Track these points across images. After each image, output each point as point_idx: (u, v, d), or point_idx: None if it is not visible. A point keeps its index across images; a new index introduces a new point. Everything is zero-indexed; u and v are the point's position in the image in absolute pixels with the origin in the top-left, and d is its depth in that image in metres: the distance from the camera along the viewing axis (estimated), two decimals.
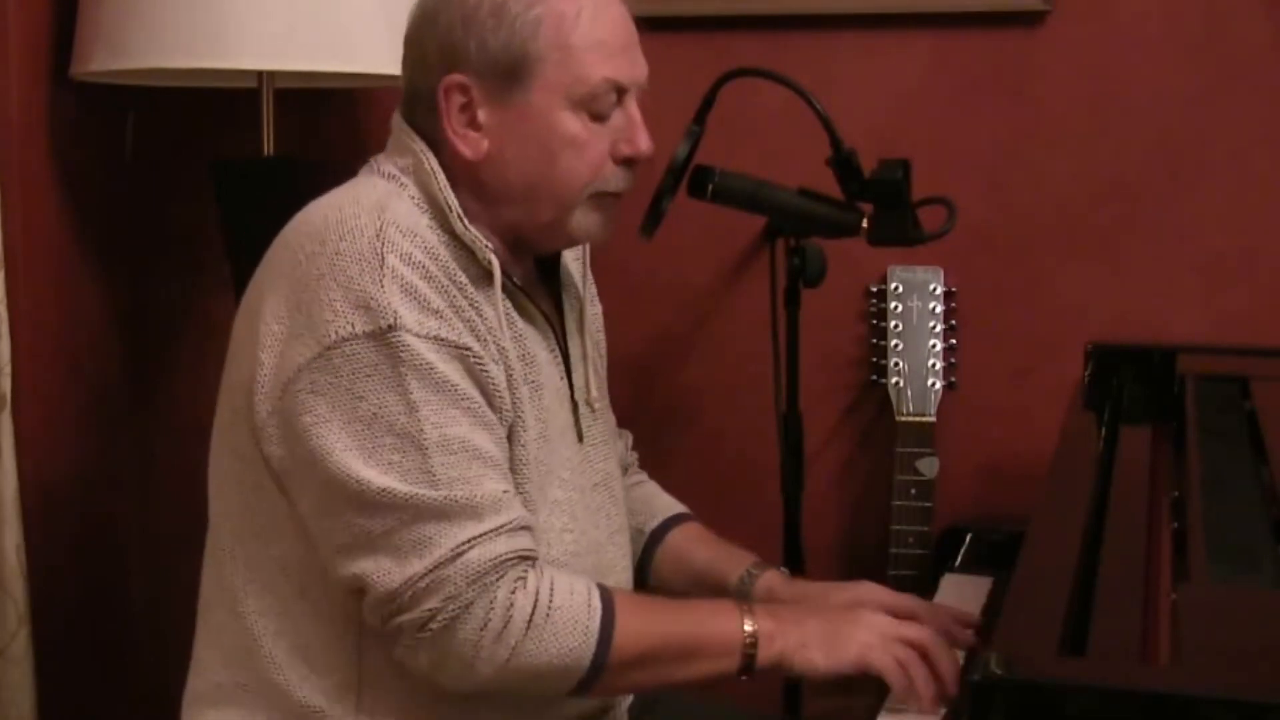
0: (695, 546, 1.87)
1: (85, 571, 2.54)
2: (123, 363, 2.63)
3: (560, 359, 1.70)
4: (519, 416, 1.59)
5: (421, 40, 1.62)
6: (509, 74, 1.58)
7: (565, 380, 1.70)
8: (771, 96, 2.02)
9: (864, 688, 1.60)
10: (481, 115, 1.59)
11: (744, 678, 1.58)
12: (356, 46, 2.19)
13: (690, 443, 2.52)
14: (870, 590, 1.77)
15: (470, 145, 1.60)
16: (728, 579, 1.81)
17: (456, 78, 1.59)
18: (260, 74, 2.32)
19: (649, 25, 1.67)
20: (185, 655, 1.70)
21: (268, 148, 2.34)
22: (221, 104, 2.51)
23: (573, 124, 1.60)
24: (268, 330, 1.54)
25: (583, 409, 1.72)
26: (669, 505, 1.93)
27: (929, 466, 2.26)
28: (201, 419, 1.71)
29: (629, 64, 1.62)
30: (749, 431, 2.47)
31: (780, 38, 2.44)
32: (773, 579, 1.80)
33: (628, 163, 1.64)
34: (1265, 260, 2.34)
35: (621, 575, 1.75)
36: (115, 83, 2.36)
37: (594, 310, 1.84)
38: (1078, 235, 2.39)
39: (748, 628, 1.57)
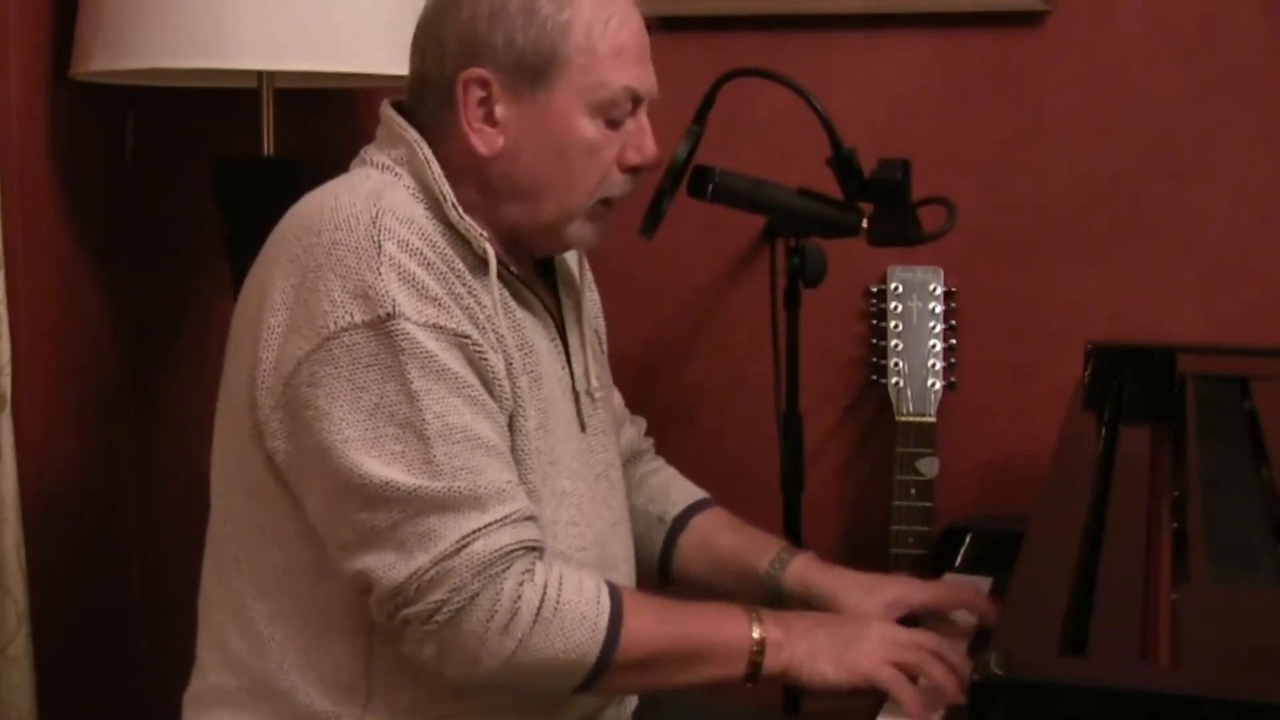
0: (721, 532, 1.86)
1: (85, 571, 2.54)
2: (123, 363, 2.63)
3: (561, 348, 1.69)
4: (519, 406, 1.58)
5: (440, 29, 1.60)
6: (534, 72, 1.57)
7: (566, 370, 1.69)
8: (771, 96, 2.02)
9: (866, 690, 1.59)
10: (499, 111, 1.59)
11: (749, 684, 1.57)
12: (356, 46, 2.19)
13: (690, 442, 2.51)
14: (904, 585, 1.77)
15: (485, 140, 1.59)
16: (757, 564, 1.81)
17: (477, 71, 1.57)
18: (260, 74, 2.32)
19: (648, 25, 1.67)
20: (185, 655, 1.70)
21: (268, 148, 2.34)
22: (221, 104, 2.51)
23: (589, 129, 1.60)
24: (266, 326, 1.53)
25: (584, 399, 1.71)
26: (689, 492, 1.92)
27: (929, 466, 2.26)
28: (202, 418, 1.71)
29: (646, 74, 1.64)
30: (749, 431, 2.47)
31: (780, 38, 2.44)
32: (806, 564, 1.79)
33: (633, 171, 1.65)
34: (1265, 260, 2.34)
35: (624, 567, 1.74)
36: (115, 83, 2.35)
37: (592, 296, 1.84)
38: (1078, 235, 2.39)
39: (756, 634, 1.56)
